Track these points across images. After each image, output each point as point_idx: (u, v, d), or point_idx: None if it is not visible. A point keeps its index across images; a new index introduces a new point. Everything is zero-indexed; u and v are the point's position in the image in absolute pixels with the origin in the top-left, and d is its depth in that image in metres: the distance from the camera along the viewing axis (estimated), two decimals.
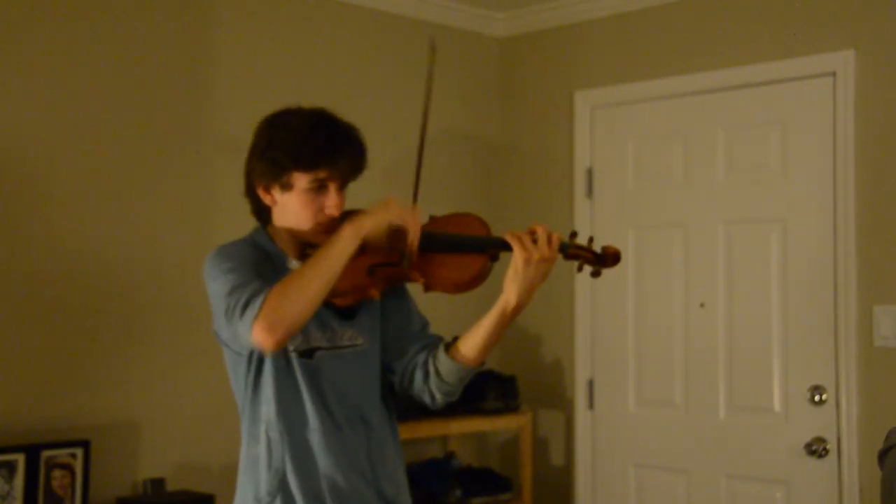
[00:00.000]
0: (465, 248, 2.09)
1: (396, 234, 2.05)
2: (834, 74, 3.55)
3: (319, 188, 2.06)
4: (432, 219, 2.17)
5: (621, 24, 4.12)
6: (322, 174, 2.05)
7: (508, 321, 2.08)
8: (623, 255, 2.17)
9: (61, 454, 3.11)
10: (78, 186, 3.31)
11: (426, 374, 2.15)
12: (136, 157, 3.44)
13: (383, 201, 2.01)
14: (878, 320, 3.44)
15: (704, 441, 3.83)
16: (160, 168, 3.49)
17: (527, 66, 4.44)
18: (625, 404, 4.07)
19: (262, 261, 2.09)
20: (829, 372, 3.54)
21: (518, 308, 2.05)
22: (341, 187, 2.09)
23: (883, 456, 2.13)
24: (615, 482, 4.08)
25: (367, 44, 4.07)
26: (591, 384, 4.17)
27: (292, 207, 2.08)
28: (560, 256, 2.09)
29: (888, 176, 3.46)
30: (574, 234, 2.14)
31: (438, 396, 2.15)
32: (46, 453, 3.08)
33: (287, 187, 2.07)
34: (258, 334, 1.90)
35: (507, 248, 2.04)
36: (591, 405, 4.16)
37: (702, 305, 3.85)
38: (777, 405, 3.66)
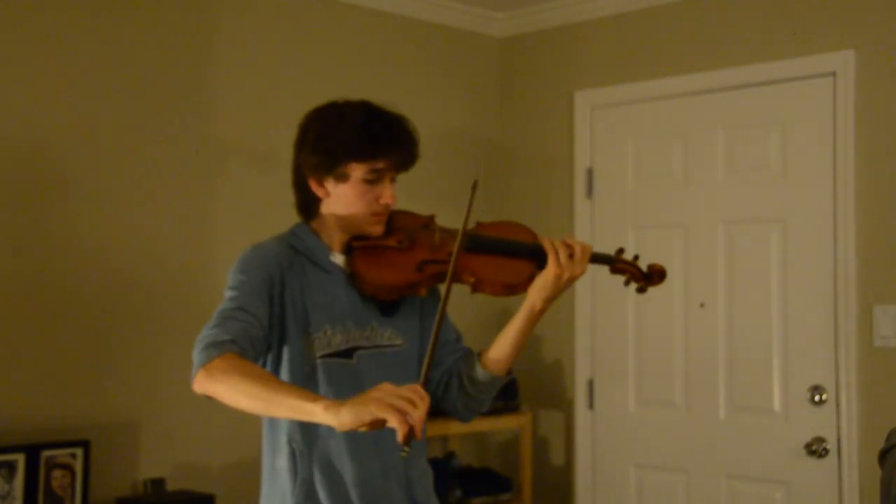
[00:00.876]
0: (515, 253, 2.13)
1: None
2: (834, 74, 3.55)
3: (375, 179, 2.06)
4: (479, 224, 2.20)
5: (621, 24, 4.12)
6: (380, 164, 2.05)
7: (533, 325, 2.13)
8: (625, 254, 2.24)
9: (61, 454, 3.11)
10: (78, 188, 3.31)
11: (460, 385, 2.16)
12: (136, 159, 3.43)
13: (376, 396, 1.73)
14: (878, 320, 3.44)
15: (704, 441, 3.83)
16: (161, 169, 3.49)
17: (527, 66, 4.44)
18: (625, 404, 4.07)
19: (286, 267, 2.05)
20: (829, 372, 3.54)
21: (542, 312, 2.12)
22: (393, 178, 2.09)
23: (883, 456, 2.13)
24: (615, 482, 4.08)
25: (367, 44, 4.07)
26: (591, 384, 4.17)
27: (346, 198, 2.07)
28: (606, 269, 2.21)
29: (888, 176, 3.46)
30: (621, 250, 2.22)
31: (471, 406, 2.19)
32: (46, 453, 3.08)
33: (342, 178, 2.06)
34: (196, 379, 1.92)
35: (544, 258, 2.09)
36: (591, 405, 4.16)
37: (702, 305, 3.85)
38: (777, 405, 3.66)
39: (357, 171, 2.05)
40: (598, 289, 4.12)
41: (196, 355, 1.93)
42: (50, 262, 3.25)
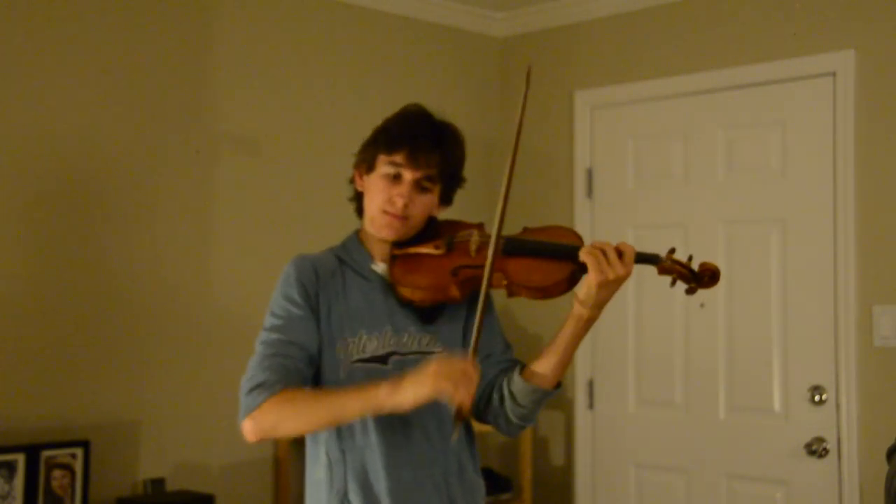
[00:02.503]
0: (552, 254, 2.06)
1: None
2: (834, 74, 3.55)
3: (396, 176, 2.06)
4: (525, 230, 2.16)
5: (621, 24, 4.12)
6: (398, 158, 2.05)
7: (581, 336, 2.05)
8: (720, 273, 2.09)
9: (61, 454, 3.11)
10: (80, 189, 3.31)
11: (502, 399, 2.09)
12: (135, 160, 3.43)
13: (433, 369, 1.84)
14: (878, 320, 3.44)
15: (704, 441, 3.83)
16: (159, 168, 3.49)
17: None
18: (625, 404, 4.07)
19: (326, 276, 2.06)
20: (829, 372, 3.54)
21: (591, 321, 2.03)
22: (422, 185, 2.07)
23: (892, 454, 2.13)
24: (615, 482, 4.08)
25: (367, 43, 4.07)
26: (591, 384, 4.17)
27: (371, 190, 2.09)
28: (655, 270, 2.07)
29: (888, 176, 3.46)
30: (672, 250, 2.09)
31: (515, 420, 2.10)
32: (46, 453, 3.08)
33: (371, 169, 2.10)
34: (245, 428, 1.95)
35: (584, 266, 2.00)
36: (591, 405, 4.16)
37: (702, 305, 3.85)
38: (777, 405, 3.66)
39: (381, 163, 2.07)
40: None
41: (242, 400, 1.95)
42: (50, 262, 3.24)
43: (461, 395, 1.82)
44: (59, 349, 3.24)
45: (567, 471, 4.23)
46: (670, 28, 3.98)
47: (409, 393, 1.84)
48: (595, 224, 4.11)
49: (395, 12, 4.14)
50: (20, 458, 3.03)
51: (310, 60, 3.90)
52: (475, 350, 1.91)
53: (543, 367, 2.06)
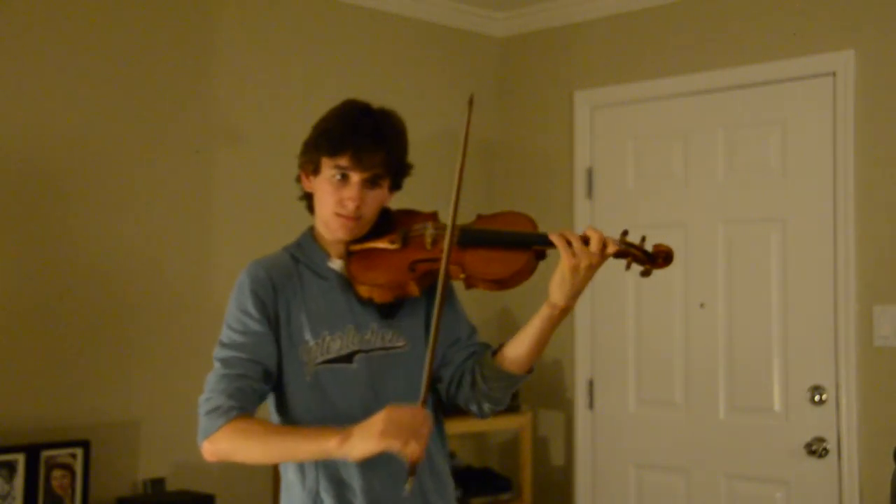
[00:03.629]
0: (508, 244, 2.03)
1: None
2: (834, 74, 3.55)
3: (342, 177, 2.04)
4: (479, 217, 2.14)
5: (621, 24, 4.12)
6: (342, 162, 2.03)
7: (556, 325, 2.03)
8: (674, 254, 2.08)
9: (61, 454, 3.11)
10: (77, 186, 3.31)
11: (473, 383, 2.09)
12: (133, 155, 3.43)
13: (380, 426, 1.83)
14: (878, 320, 3.44)
15: (704, 441, 3.83)
16: (158, 165, 3.49)
17: (527, 65, 4.44)
18: (625, 404, 4.06)
19: (282, 282, 2.06)
20: (829, 372, 3.54)
21: (565, 311, 2.01)
22: (370, 183, 2.05)
23: None
24: (615, 482, 4.08)
25: (366, 43, 4.07)
26: (591, 384, 4.17)
27: (319, 193, 2.08)
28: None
29: (888, 176, 3.46)
30: (625, 232, 2.08)
31: (486, 405, 2.10)
32: (46, 453, 3.08)
33: (317, 172, 2.08)
34: (204, 449, 2.00)
35: (552, 245, 1.99)
36: (591, 405, 4.16)
37: (702, 305, 3.85)
38: (777, 405, 3.66)
39: (326, 166, 2.05)
40: (598, 289, 4.12)
41: (200, 421, 1.99)
42: (50, 262, 3.24)
43: (411, 449, 1.82)
44: (59, 349, 3.24)
45: (567, 471, 4.23)
46: (670, 28, 3.98)
47: (357, 448, 1.85)
48: (595, 224, 4.08)
49: (395, 12, 4.14)
50: (20, 458, 3.03)
51: (309, 59, 3.90)
52: (427, 391, 1.91)
53: (516, 352, 2.05)
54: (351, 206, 2.03)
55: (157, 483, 3.36)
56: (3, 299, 3.15)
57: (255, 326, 2.02)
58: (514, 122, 4.47)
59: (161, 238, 3.48)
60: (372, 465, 2.01)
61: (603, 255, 1.98)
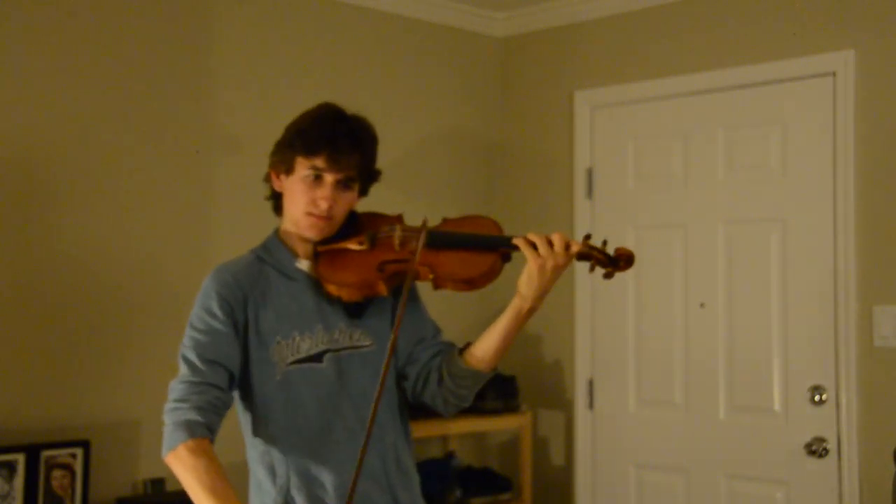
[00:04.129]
0: (475, 246, 2.10)
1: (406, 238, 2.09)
2: (834, 74, 3.55)
3: (316, 178, 2.07)
4: (445, 220, 2.19)
5: (621, 24, 4.12)
6: (318, 162, 2.06)
7: (522, 324, 2.09)
8: (635, 257, 2.14)
9: (61, 454, 3.11)
10: (77, 187, 3.31)
11: (440, 380, 2.14)
12: (134, 158, 3.43)
13: None
14: (878, 320, 3.44)
15: (704, 441, 3.83)
16: (159, 168, 3.49)
17: (527, 66, 4.44)
18: (625, 404, 4.07)
19: (249, 285, 2.08)
20: (829, 372, 3.53)
21: (531, 311, 2.07)
22: (343, 185, 2.09)
23: None
24: (615, 482, 4.08)
25: (367, 43, 4.07)
26: (591, 384, 4.17)
27: (291, 192, 2.10)
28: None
29: (888, 176, 3.46)
30: (588, 237, 2.13)
31: (452, 401, 2.15)
32: (46, 453, 3.08)
33: (290, 172, 2.10)
34: (167, 457, 1.99)
35: (517, 248, 2.06)
36: (591, 405, 4.16)
37: (702, 305, 3.85)
38: (777, 405, 3.66)
39: (300, 166, 2.08)
40: (598, 289, 4.12)
41: (166, 430, 1.98)
42: (50, 263, 3.24)
43: None
44: (59, 349, 3.24)
45: (567, 471, 4.23)
46: (670, 28, 3.98)
47: None
48: (595, 224, 4.11)
49: (395, 12, 4.14)
50: (20, 458, 3.03)
51: (309, 60, 3.90)
52: (380, 392, 1.96)
53: (483, 352, 2.11)
54: (324, 205, 2.07)
55: (157, 483, 3.36)
56: (3, 300, 3.15)
57: (218, 327, 2.04)
58: (514, 122, 4.47)
59: (161, 239, 3.48)
60: (342, 461, 2.05)
61: (567, 256, 2.03)
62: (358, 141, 2.10)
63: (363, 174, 2.13)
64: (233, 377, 2.05)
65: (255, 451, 2.13)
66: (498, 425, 4.11)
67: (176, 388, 2.02)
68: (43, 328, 3.22)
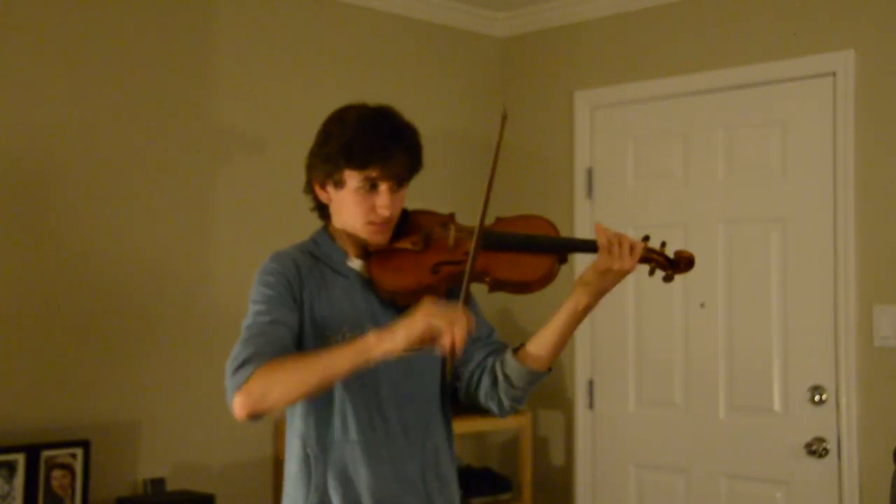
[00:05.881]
0: (533, 248, 2.04)
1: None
2: (834, 74, 3.55)
3: (371, 187, 2.02)
4: (498, 219, 2.13)
5: (621, 24, 4.12)
6: (373, 173, 2.01)
7: (579, 321, 2.05)
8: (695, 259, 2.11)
9: (61, 454, 3.11)
10: (78, 186, 3.31)
11: (494, 380, 2.10)
12: (135, 157, 3.43)
13: (424, 309, 1.83)
14: (878, 320, 3.44)
15: (704, 441, 3.83)
16: (159, 167, 3.49)
17: (527, 66, 4.44)
18: (625, 404, 4.07)
19: (306, 273, 2.05)
20: (829, 372, 3.53)
21: (588, 309, 2.03)
22: (396, 186, 2.05)
23: None
24: (615, 482, 4.08)
25: (367, 43, 4.07)
26: (591, 384, 4.17)
27: (345, 205, 2.05)
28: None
29: (888, 176, 3.46)
30: (646, 238, 2.09)
31: (507, 402, 2.11)
32: (46, 453, 3.08)
33: (340, 185, 2.04)
34: (235, 404, 1.91)
35: (588, 249, 2.01)
36: (591, 405, 4.16)
37: (702, 305, 3.85)
38: (777, 405, 3.66)
39: (352, 178, 2.03)
40: None
41: (228, 381, 1.93)
42: (50, 262, 3.24)
43: (454, 332, 1.80)
44: (59, 349, 3.24)
45: (567, 471, 4.23)
46: (670, 28, 3.98)
47: (399, 335, 1.83)
48: (595, 224, 4.11)
49: (395, 12, 4.14)
50: (20, 458, 3.03)
51: (310, 60, 3.90)
52: (465, 301, 1.89)
53: (538, 350, 2.07)
54: (386, 213, 2.03)
55: (157, 483, 3.36)
56: (3, 300, 3.15)
57: (277, 294, 2.01)
58: (515, 122, 4.46)
59: (162, 239, 3.48)
60: (378, 464, 2.02)
61: (634, 261, 2.00)
62: (406, 142, 2.06)
63: (415, 171, 2.09)
64: (294, 335, 2.00)
65: (292, 442, 2.08)
66: (498, 425, 4.10)
67: (234, 347, 1.97)
68: (43, 328, 3.22)
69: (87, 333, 3.30)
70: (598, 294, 2.01)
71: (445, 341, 1.80)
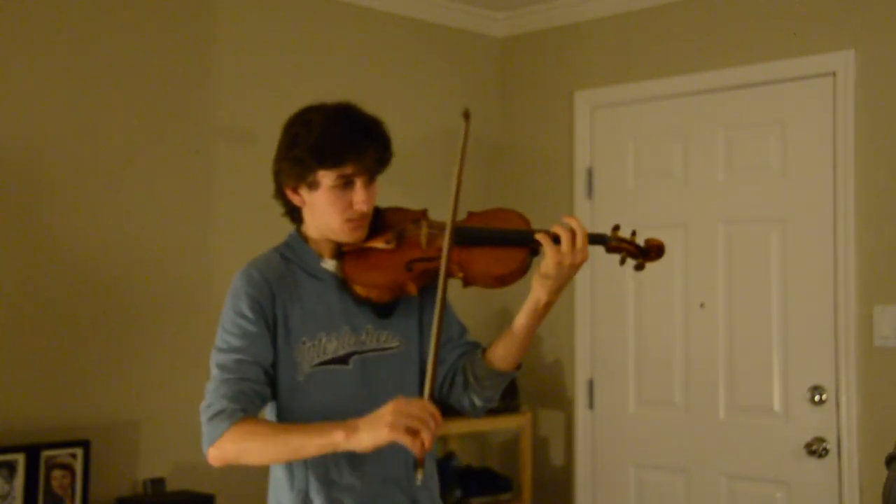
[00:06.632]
0: (504, 242, 2.05)
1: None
2: (834, 74, 3.55)
3: (346, 184, 2.02)
4: (470, 214, 2.14)
5: (621, 24, 4.12)
6: (347, 170, 2.01)
7: (540, 319, 2.06)
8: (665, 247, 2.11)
9: (61, 454, 3.11)
10: (77, 185, 3.31)
11: (466, 381, 2.11)
12: (134, 154, 3.43)
13: (389, 417, 1.81)
14: (878, 320, 3.44)
15: (704, 441, 3.83)
16: (158, 166, 3.49)
17: (527, 66, 4.44)
18: (625, 404, 4.07)
19: (276, 282, 2.05)
20: (829, 372, 3.54)
21: (549, 305, 2.03)
22: (370, 181, 2.05)
23: (892, 461, 2.12)
24: (615, 482, 4.08)
25: (367, 43, 4.07)
26: (591, 384, 4.17)
27: (321, 206, 2.05)
28: (602, 250, 2.06)
29: (888, 176, 3.46)
30: (616, 227, 2.08)
31: (479, 403, 2.13)
32: (46, 453, 3.08)
33: (314, 186, 2.04)
34: (210, 455, 1.98)
35: (538, 243, 2.00)
36: (591, 405, 4.16)
37: (702, 305, 3.85)
38: (777, 405, 3.66)
39: (326, 178, 2.02)
40: (598, 289, 4.12)
41: (204, 428, 1.97)
42: (50, 262, 3.24)
43: (421, 440, 1.80)
44: (59, 349, 3.24)
45: (567, 471, 4.23)
46: (670, 28, 3.98)
47: (364, 440, 1.84)
48: (595, 224, 4.11)
49: (395, 12, 4.14)
50: (20, 458, 3.03)
51: (309, 59, 3.90)
52: (432, 385, 1.88)
53: (505, 350, 2.08)
54: (364, 208, 2.03)
55: (157, 483, 3.36)
56: (3, 299, 3.15)
57: (251, 328, 2.01)
58: (515, 122, 4.47)
59: (161, 238, 3.48)
60: (361, 464, 2.02)
61: (584, 250, 1.98)
62: (375, 135, 2.06)
63: (386, 163, 2.09)
64: (268, 373, 2.02)
65: None
66: (498, 425, 4.11)
67: (209, 388, 2.00)
68: (43, 328, 3.22)
69: (87, 333, 3.30)
70: (557, 289, 2.01)
71: (415, 448, 1.80)
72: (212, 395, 1.99)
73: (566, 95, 4.28)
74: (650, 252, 2.08)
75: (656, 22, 4.02)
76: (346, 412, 1.99)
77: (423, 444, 1.79)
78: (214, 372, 2.01)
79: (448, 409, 2.17)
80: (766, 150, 3.72)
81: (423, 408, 1.82)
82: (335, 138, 2.01)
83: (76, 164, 3.31)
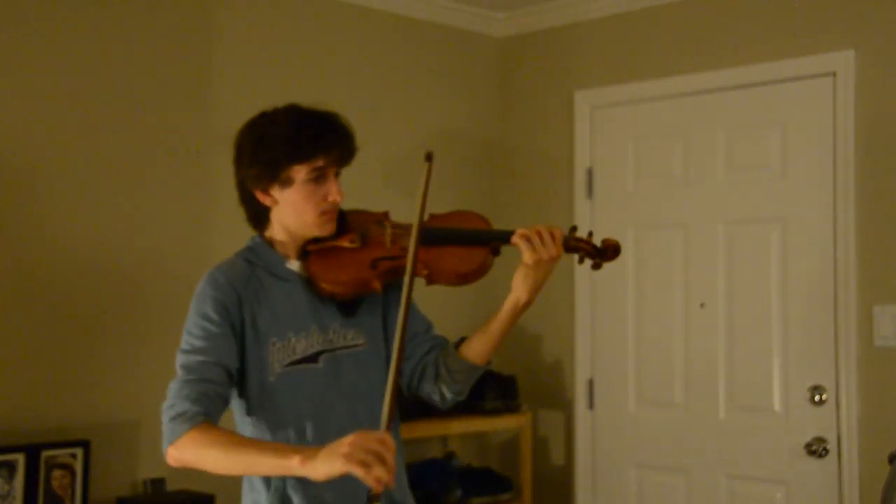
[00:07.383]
0: (467, 241, 2.15)
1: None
2: (834, 74, 3.55)
3: (318, 178, 2.07)
4: (432, 216, 2.21)
5: (621, 24, 4.12)
6: (319, 163, 2.06)
7: (517, 318, 2.15)
8: (623, 252, 2.21)
9: (61, 454, 3.11)
10: (77, 185, 3.31)
11: (437, 374, 2.19)
12: (134, 156, 3.43)
13: (345, 450, 1.79)
14: (878, 320, 3.44)
15: (704, 441, 3.83)
16: (159, 166, 3.49)
17: (527, 66, 4.44)
18: (625, 404, 4.07)
19: (242, 286, 2.08)
20: (829, 372, 3.53)
21: (527, 305, 2.13)
22: (337, 173, 2.11)
23: (894, 459, 2.13)
24: (615, 482, 4.08)
25: (367, 43, 4.07)
26: (591, 384, 4.17)
27: (294, 202, 2.09)
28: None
29: (888, 176, 3.46)
30: (574, 229, 2.19)
31: (448, 395, 2.20)
32: (46, 453, 3.08)
33: (287, 183, 2.08)
34: (168, 455, 1.98)
35: (508, 241, 2.11)
36: (591, 405, 4.16)
37: (702, 305, 3.85)
38: (777, 405, 3.66)
39: (300, 173, 2.07)
40: (598, 289, 4.12)
41: (164, 427, 1.98)
42: (50, 262, 3.24)
43: (375, 474, 1.79)
44: (59, 349, 3.24)
45: (567, 471, 4.23)
46: (670, 28, 3.98)
47: (319, 470, 1.83)
48: (595, 224, 4.11)
49: (395, 12, 4.14)
50: (20, 458, 3.03)
51: (309, 59, 3.90)
52: (391, 414, 1.89)
53: (481, 345, 2.17)
54: (339, 199, 2.10)
55: (157, 483, 3.36)
56: (3, 299, 3.15)
57: (215, 330, 2.03)
58: (514, 122, 4.47)
59: (162, 238, 3.48)
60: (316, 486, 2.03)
61: (559, 248, 2.08)
62: (340, 127, 2.12)
63: (353, 154, 2.14)
64: (231, 375, 2.04)
65: None
66: (498, 425, 4.11)
67: (172, 388, 2.02)
68: (43, 328, 3.22)
69: (87, 333, 3.30)
70: (535, 288, 2.10)
71: (368, 481, 1.78)
72: (174, 395, 2.00)
73: (566, 95, 4.28)
74: (607, 252, 2.18)
75: (656, 22, 4.02)
76: (318, 409, 2.06)
77: (376, 479, 1.78)
78: (178, 373, 2.03)
79: (418, 403, 2.29)
80: (766, 150, 3.72)
81: (380, 442, 1.81)
82: (303, 132, 2.07)
83: (76, 164, 3.31)
